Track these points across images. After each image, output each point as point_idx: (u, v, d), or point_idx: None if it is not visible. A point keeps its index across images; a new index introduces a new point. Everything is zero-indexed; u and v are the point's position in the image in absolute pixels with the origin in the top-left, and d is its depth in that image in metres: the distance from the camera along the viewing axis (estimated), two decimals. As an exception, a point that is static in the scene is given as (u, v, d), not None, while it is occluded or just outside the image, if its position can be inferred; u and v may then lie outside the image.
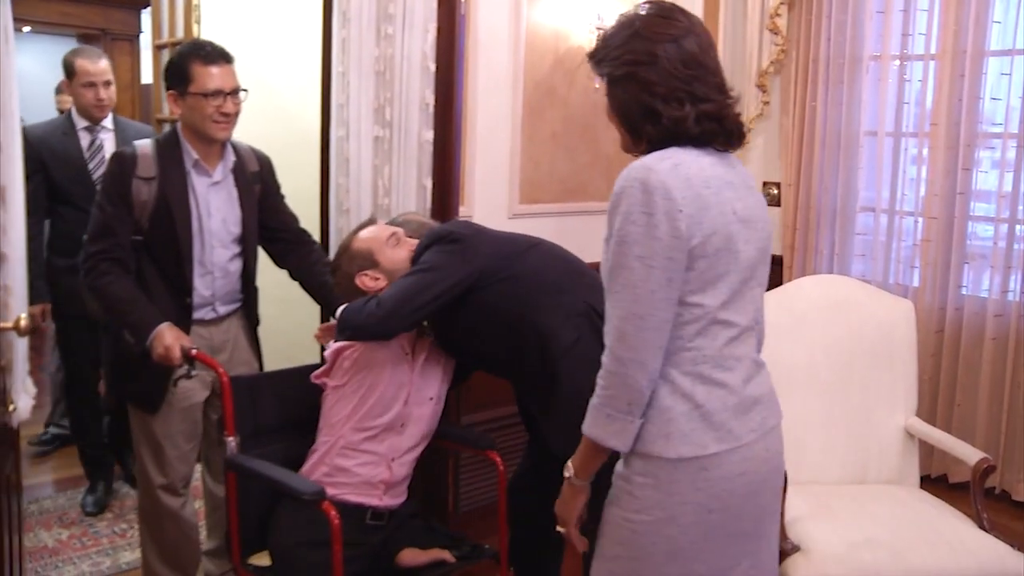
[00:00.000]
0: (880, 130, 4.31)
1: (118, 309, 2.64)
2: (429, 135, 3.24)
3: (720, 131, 1.80)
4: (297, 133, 3.98)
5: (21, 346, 2.31)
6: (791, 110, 4.53)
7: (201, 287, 2.78)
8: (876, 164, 4.36)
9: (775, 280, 4.44)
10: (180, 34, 4.56)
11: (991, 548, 2.67)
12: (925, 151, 4.21)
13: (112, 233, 2.66)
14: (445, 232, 2.53)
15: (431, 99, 3.23)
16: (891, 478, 3.17)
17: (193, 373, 2.62)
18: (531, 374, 2.44)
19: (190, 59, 2.66)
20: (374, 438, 2.53)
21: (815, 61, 4.44)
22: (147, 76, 5.69)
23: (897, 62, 4.27)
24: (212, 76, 2.66)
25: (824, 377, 3.20)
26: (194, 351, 2.58)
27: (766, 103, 4.61)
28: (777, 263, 4.51)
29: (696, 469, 1.76)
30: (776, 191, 4.66)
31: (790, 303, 3.24)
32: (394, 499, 2.58)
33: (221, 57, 2.69)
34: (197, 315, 2.80)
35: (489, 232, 2.63)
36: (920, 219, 4.24)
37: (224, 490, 2.98)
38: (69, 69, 3.79)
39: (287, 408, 2.68)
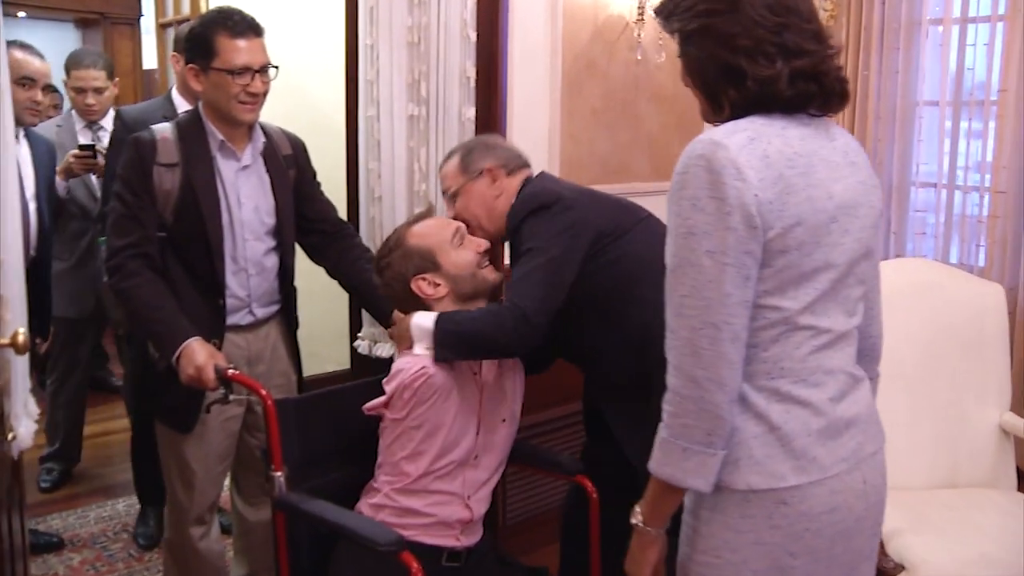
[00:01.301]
0: (941, 99, 4.02)
1: (144, 316, 2.34)
2: (471, 112, 2.94)
3: (818, 92, 1.48)
4: (318, 114, 3.68)
5: (21, 365, 2.00)
6: (842, 80, 4.22)
7: (235, 286, 2.49)
8: (936, 136, 4.07)
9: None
10: (186, 10, 4.28)
11: (1118, 562, 2.41)
12: (991, 122, 3.91)
13: (140, 224, 2.36)
14: (549, 197, 2.20)
15: (472, 72, 2.93)
16: (985, 481, 2.90)
17: (232, 397, 2.28)
18: (620, 373, 2.17)
19: (215, 30, 2.35)
20: (445, 476, 2.15)
21: (867, 27, 4.13)
22: (149, 60, 5.37)
23: (958, 25, 3.96)
24: (240, 51, 2.35)
25: (909, 370, 2.91)
26: (231, 371, 2.25)
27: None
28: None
29: (773, 503, 1.47)
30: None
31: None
32: (471, 537, 2.23)
33: (250, 29, 2.39)
34: (232, 320, 2.50)
35: (593, 193, 2.31)
36: (986, 194, 3.95)
37: (255, 513, 2.73)
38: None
39: (339, 432, 2.30)
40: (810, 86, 1.47)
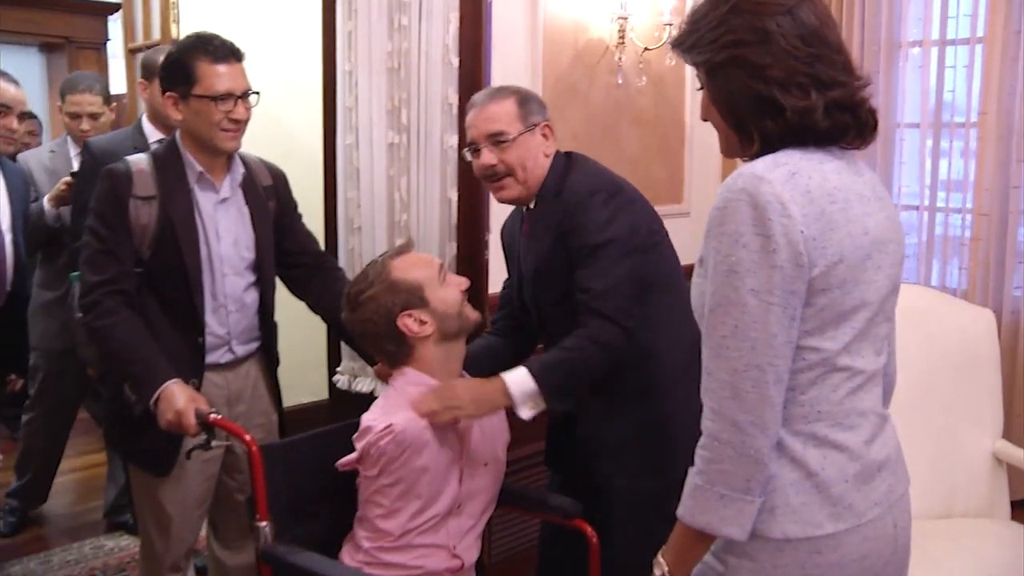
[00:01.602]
0: (922, 121, 4.00)
1: (120, 357, 2.23)
2: (454, 140, 2.85)
3: (853, 123, 1.43)
4: (294, 142, 3.60)
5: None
6: (821, 102, 4.20)
7: (214, 324, 2.38)
8: (917, 158, 4.05)
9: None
10: (156, 36, 4.19)
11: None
12: (972, 143, 3.90)
13: (116, 259, 2.26)
14: (614, 183, 2.16)
15: (455, 98, 2.84)
16: (980, 510, 2.85)
17: (214, 443, 2.16)
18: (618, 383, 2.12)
19: (195, 55, 2.27)
20: (428, 530, 2.05)
21: (847, 49, 4.11)
22: (117, 85, 5.24)
23: (937, 48, 3.96)
24: (221, 76, 2.27)
25: (903, 397, 2.80)
26: (213, 416, 2.14)
27: (794, 95, 4.28)
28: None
29: (807, 552, 1.40)
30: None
31: (862, 317, 2.91)
32: None
33: (231, 54, 2.31)
34: (211, 358, 2.39)
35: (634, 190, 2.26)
36: (968, 216, 3.94)
37: (233, 557, 2.63)
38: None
39: (326, 476, 2.14)
40: (845, 117, 1.42)
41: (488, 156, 2.20)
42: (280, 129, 3.79)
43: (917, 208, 4.09)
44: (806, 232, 1.33)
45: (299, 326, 2.91)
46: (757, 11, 1.42)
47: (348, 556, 2.09)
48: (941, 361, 2.89)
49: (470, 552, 2.13)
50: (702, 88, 1.51)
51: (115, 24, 5.86)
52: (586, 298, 2.07)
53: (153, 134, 3.10)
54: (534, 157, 2.22)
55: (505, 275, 2.51)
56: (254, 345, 2.52)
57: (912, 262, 4.12)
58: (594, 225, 2.09)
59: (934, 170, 4.01)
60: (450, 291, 2.09)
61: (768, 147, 1.43)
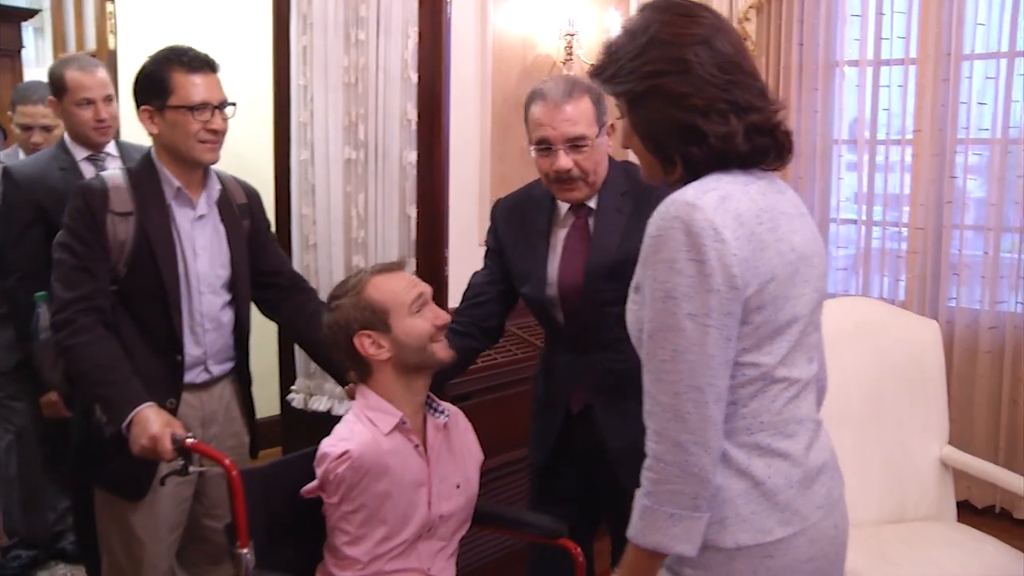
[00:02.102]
0: (859, 138, 4.12)
1: (92, 378, 2.14)
2: (412, 156, 2.83)
3: (772, 146, 1.47)
4: (241, 158, 3.53)
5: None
6: (761, 119, 4.29)
7: (191, 343, 2.32)
8: (855, 173, 4.17)
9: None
10: (91, 46, 4.06)
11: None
12: (908, 158, 4.03)
13: (91, 276, 2.18)
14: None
15: (414, 114, 2.83)
16: (930, 514, 2.93)
17: (192, 469, 2.07)
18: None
19: (169, 67, 2.22)
20: (398, 556, 1.99)
21: (787, 67, 4.23)
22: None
23: (872, 67, 4.08)
24: (197, 86, 2.22)
25: (856, 408, 2.93)
26: (189, 440, 2.06)
27: (735, 112, 4.36)
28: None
29: (759, 558, 1.44)
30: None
31: (815, 329, 2.97)
32: None
33: (206, 64, 2.26)
34: (187, 378, 2.33)
35: None
36: (904, 230, 4.06)
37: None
38: (58, 84, 2.98)
39: (301, 501, 2.06)
40: (765, 140, 1.46)
41: (564, 160, 2.12)
42: (228, 144, 3.72)
43: (855, 222, 4.20)
44: (739, 255, 1.36)
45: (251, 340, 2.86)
46: (675, 41, 1.45)
47: None
48: (891, 371, 2.96)
49: (446, 572, 2.10)
50: (622, 117, 1.53)
51: (29, 31, 5.62)
52: None
53: (78, 152, 2.94)
54: (604, 159, 2.19)
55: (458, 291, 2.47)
56: (228, 365, 2.46)
57: (851, 275, 4.24)
58: None
59: (870, 185, 4.13)
60: (419, 323, 2.01)
61: (692, 172, 1.46)
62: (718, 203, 1.38)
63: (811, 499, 1.49)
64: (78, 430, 2.39)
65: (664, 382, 1.38)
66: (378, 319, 1.99)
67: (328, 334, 2.07)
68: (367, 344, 2.00)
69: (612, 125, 2.17)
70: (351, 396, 2.36)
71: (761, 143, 1.45)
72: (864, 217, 4.16)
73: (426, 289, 2.07)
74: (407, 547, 2.01)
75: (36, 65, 5.94)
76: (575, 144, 2.11)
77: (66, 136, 3.01)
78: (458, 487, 2.12)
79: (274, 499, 2.06)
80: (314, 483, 1.98)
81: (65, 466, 3.00)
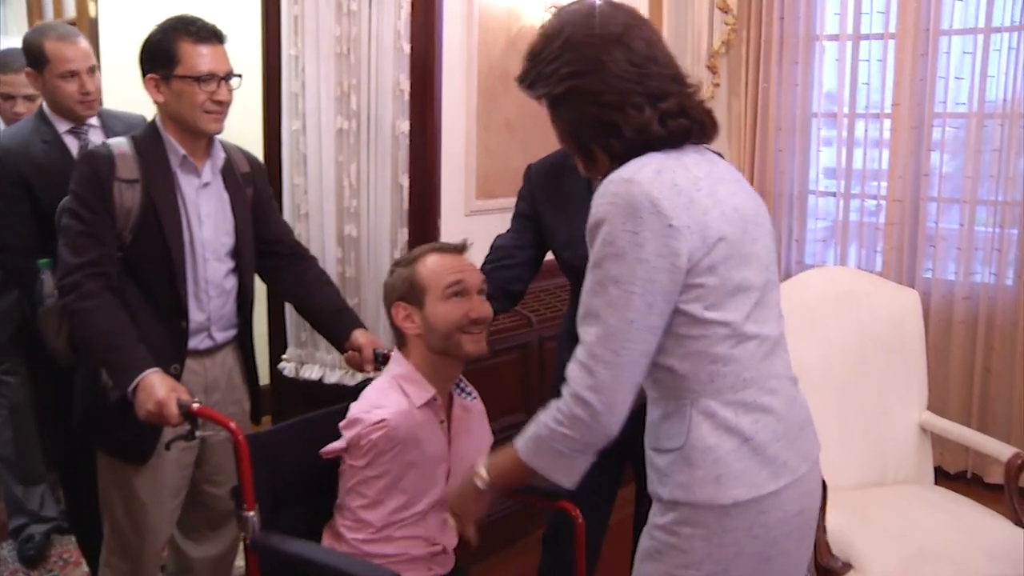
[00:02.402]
0: (839, 111, 4.19)
1: (99, 343, 2.15)
2: (405, 125, 2.86)
3: (690, 125, 1.55)
4: (231, 128, 3.52)
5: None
6: (743, 92, 4.35)
7: (195, 310, 2.34)
8: (834, 147, 4.23)
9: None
10: (71, 13, 4.02)
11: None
12: (886, 132, 4.09)
13: (99, 242, 2.19)
14: None
15: (406, 84, 2.85)
16: (909, 477, 3.02)
17: (198, 434, 2.09)
18: None
19: (176, 36, 2.22)
20: (411, 524, 2.04)
21: (767, 41, 4.28)
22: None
23: (852, 42, 4.14)
24: (204, 57, 2.22)
25: (839, 374, 3.00)
26: (195, 405, 2.07)
27: (716, 85, 4.41)
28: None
29: (754, 513, 1.53)
30: (726, 177, 4.47)
31: (800, 298, 3.04)
32: (444, 567, 2.15)
33: (214, 35, 2.27)
34: (191, 344, 2.35)
35: None
36: (882, 202, 4.14)
37: (198, 550, 2.59)
38: (37, 55, 2.80)
39: (305, 465, 2.13)
40: (681, 122, 1.53)
41: None
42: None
43: (834, 195, 4.27)
44: (676, 223, 1.43)
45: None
46: (588, 43, 1.53)
47: (329, 543, 2.08)
48: (872, 339, 3.04)
49: (454, 538, 2.14)
50: (551, 119, 1.63)
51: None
52: None
53: (60, 124, 2.82)
54: None
55: None
56: (232, 332, 2.48)
57: (829, 246, 4.31)
58: None
59: (849, 158, 4.20)
60: (450, 309, 2.01)
61: (619, 163, 1.53)
62: (654, 176, 1.46)
63: (798, 451, 1.58)
64: (82, 396, 2.40)
65: (585, 342, 1.47)
66: (415, 294, 2.04)
67: (383, 294, 2.14)
68: (401, 315, 2.05)
69: None
70: (350, 364, 2.40)
71: (677, 125, 1.53)
72: (842, 189, 4.23)
73: (469, 278, 2.05)
74: (419, 518, 2.05)
75: (4, 35, 5.84)
76: None
77: (45, 107, 2.88)
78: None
79: (279, 463, 2.09)
80: (338, 444, 2.00)
81: (57, 435, 3.00)
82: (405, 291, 2.05)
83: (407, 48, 2.84)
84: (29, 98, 3.20)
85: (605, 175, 1.52)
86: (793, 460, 1.56)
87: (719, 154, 1.69)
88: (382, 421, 1.93)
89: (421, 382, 2.03)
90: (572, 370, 1.48)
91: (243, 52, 3.33)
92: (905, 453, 3.02)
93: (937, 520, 2.69)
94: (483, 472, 1.65)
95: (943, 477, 3.93)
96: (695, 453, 1.51)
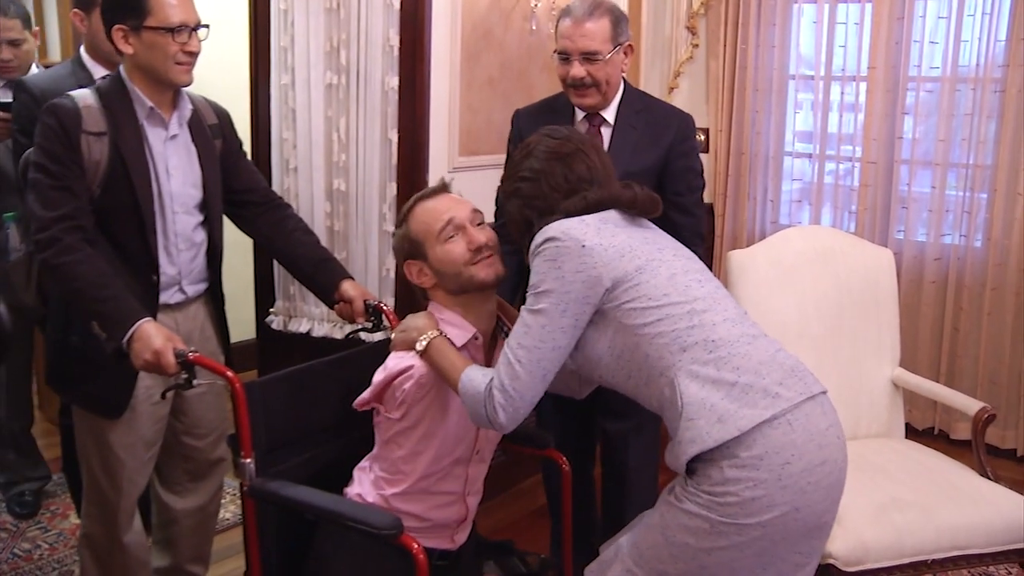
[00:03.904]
0: (815, 74, 4.25)
1: (87, 296, 2.14)
2: (394, 81, 2.88)
3: (597, 207, 1.86)
4: (217, 80, 3.52)
5: None
6: (721, 53, 4.39)
7: (166, 263, 2.35)
8: (810, 108, 4.29)
9: (709, 227, 4.39)
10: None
11: (1011, 500, 2.64)
12: (862, 96, 4.16)
13: (72, 194, 2.18)
14: None
15: (396, 40, 2.87)
16: (880, 431, 3.11)
17: (196, 382, 2.11)
18: None
19: None
20: (446, 476, 2.05)
21: (746, 3, 4.31)
22: None
23: (829, 4, 4.19)
24: (175, 7, 2.21)
25: (815, 330, 3.08)
26: (191, 354, 2.09)
27: (695, 46, 4.45)
28: (708, 212, 4.42)
29: (779, 464, 1.67)
30: (703, 137, 4.52)
31: (778, 256, 3.11)
32: (464, 533, 2.18)
33: None
34: (162, 298, 2.36)
35: None
36: (857, 164, 4.21)
37: (180, 501, 2.63)
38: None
39: (303, 414, 2.17)
40: (582, 203, 1.86)
41: (578, 69, 2.46)
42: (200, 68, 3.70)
43: (810, 156, 4.34)
44: (589, 243, 1.75)
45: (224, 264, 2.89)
46: (540, 156, 1.91)
47: (358, 485, 2.10)
48: (847, 297, 3.12)
49: (476, 498, 2.17)
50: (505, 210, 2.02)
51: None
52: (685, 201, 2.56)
53: (97, 69, 2.82)
54: (617, 73, 2.50)
55: None
56: (202, 286, 2.50)
57: (803, 207, 4.39)
58: (699, 162, 2.52)
59: (824, 120, 4.26)
60: (450, 249, 2.02)
61: None
62: (563, 219, 1.82)
63: (789, 388, 1.73)
64: (52, 350, 2.41)
65: (512, 336, 1.81)
66: (416, 249, 2.06)
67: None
68: (414, 272, 2.08)
69: (631, 45, 2.51)
70: (342, 316, 2.43)
71: (584, 204, 1.86)
72: (817, 151, 4.30)
73: (457, 214, 2.05)
74: (452, 467, 2.06)
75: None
76: (588, 57, 2.45)
77: (83, 51, 2.88)
78: None
79: (275, 411, 2.12)
80: (368, 394, 2.01)
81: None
82: (408, 249, 2.07)
83: (397, 4, 2.86)
84: (14, 43, 3.16)
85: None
86: (786, 393, 1.71)
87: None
88: (410, 368, 1.94)
89: (461, 323, 2.03)
90: (501, 361, 1.78)
91: (231, 5, 3.34)
92: (877, 408, 3.12)
93: (907, 471, 2.79)
94: (424, 343, 1.92)
95: (912, 433, 4.03)
96: (692, 409, 1.69)
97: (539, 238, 1.79)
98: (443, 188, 2.13)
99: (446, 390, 1.97)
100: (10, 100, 2.90)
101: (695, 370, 1.71)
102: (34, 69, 3.23)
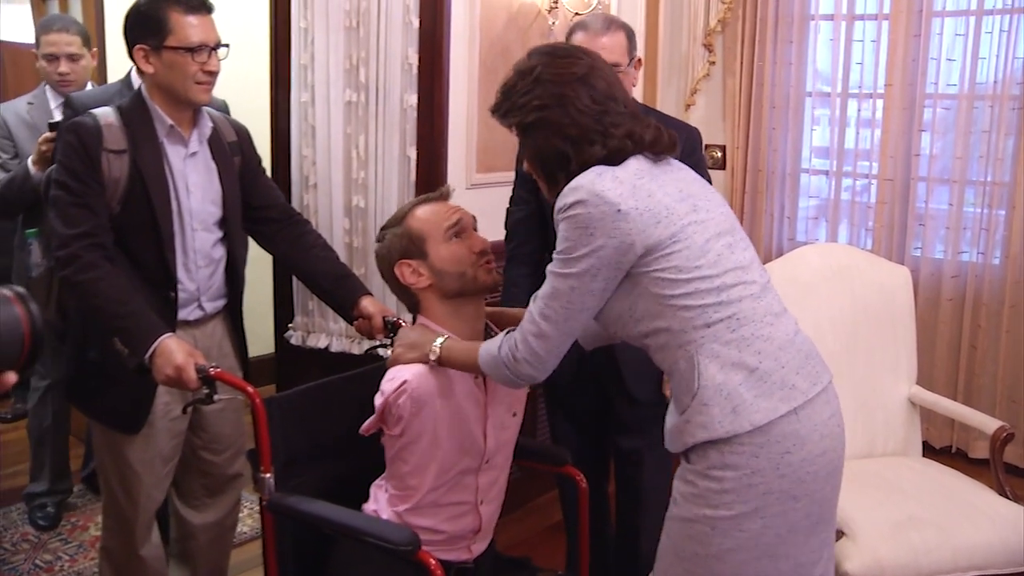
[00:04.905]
0: (832, 91, 4.25)
1: (109, 311, 2.17)
2: (413, 99, 2.92)
3: (632, 148, 1.75)
4: (239, 97, 3.56)
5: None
6: (737, 70, 4.40)
7: (185, 279, 2.38)
8: (827, 125, 4.30)
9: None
10: (75, -15, 4.03)
11: (1028, 519, 2.64)
12: (878, 113, 4.16)
13: (92, 212, 2.21)
14: None
15: (415, 58, 2.91)
16: (897, 450, 3.11)
17: (217, 397, 2.14)
18: None
19: (166, 6, 2.24)
20: (455, 487, 2.04)
21: (763, 20, 4.32)
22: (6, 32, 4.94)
23: (846, 22, 4.20)
24: (195, 27, 2.25)
25: (831, 347, 3.08)
26: (214, 369, 2.12)
27: (712, 63, 4.47)
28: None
29: (779, 453, 1.66)
30: (720, 154, 4.54)
31: (795, 273, 3.12)
32: (482, 544, 2.16)
33: (202, 5, 2.29)
34: (181, 314, 2.38)
35: None
36: (874, 181, 4.21)
37: (198, 516, 2.65)
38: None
39: (321, 429, 2.20)
40: (624, 143, 1.74)
41: None
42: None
43: (826, 173, 4.34)
44: (624, 207, 1.65)
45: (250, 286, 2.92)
46: (555, 80, 1.74)
47: (376, 507, 2.09)
48: (864, 314, 3.13)
49: (492, 507, 2.15)
50: (521, 145, 1.88)
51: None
52: None
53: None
54: (631, 87, 2.48)
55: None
56: (221, 302, 2.52)
57: (820, 223, 4.39)
58: (707, 173, 2.48)
59: (841, 137, 4.26)
60: (455, 249, 2.02)
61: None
62: (595, 176, 1.68)
63: (805, 377, 1.72)
64: (70, 365, 2.43)
65: (538, 296, 1.75)
66: (415, 247, 2.02)
67: (378, 266, 2.13)
68: (407, 273, 2.03)
69: (640, 59, 2.52)
70: (361, 332, 2.45)
71: (619, 145, 1.73)
72: (834, 168, 4.30)
73: (465, 216, 2.07)
74: (461, 477, 2.05)
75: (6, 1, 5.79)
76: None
77: (134, 72, 2.86)
78: (515, 415, 2.15)
79: (294, 426, 2.14)
80: (372, 420, 1.99)
81: None
82: (404, 247, 2.03)
83: (416, 22, 2.90)
84: (72, 58, 3.22)
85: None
86: (802, 383, 1.69)
87: (690, 143, 1.98)
88: (403, 384, 1.91)
89: (450, 333, 2.01)
90: (526, 318, 1.75)
91: (252, 24, 3.38)
92: (894, 426, 3.12)
93: (925, 489, 2.79)
94: (437, 350, 1.91)
95: (929, 451, 4.02)
96: (708, 393, 1.66)
97: (569, 197, 1.68)
98: (447, 194, 2.15)
99: (444, 402, 1.98)
100: (61, 119, 2.89)
101: (716, 349, 1.67)
102: (88, 87, 3.29)
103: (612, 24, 2.51)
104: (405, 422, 1.94)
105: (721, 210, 1.78)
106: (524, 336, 1.75)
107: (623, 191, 1.66)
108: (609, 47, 2.44)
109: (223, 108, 2.88)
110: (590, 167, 1.71)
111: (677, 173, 1.78)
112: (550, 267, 1.73)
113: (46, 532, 3.48)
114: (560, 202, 1.69)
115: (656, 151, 1.77)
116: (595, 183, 1.66)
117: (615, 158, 1.72)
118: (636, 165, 1.72)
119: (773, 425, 1.66)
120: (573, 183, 1.68)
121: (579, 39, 2.47)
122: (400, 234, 2.05)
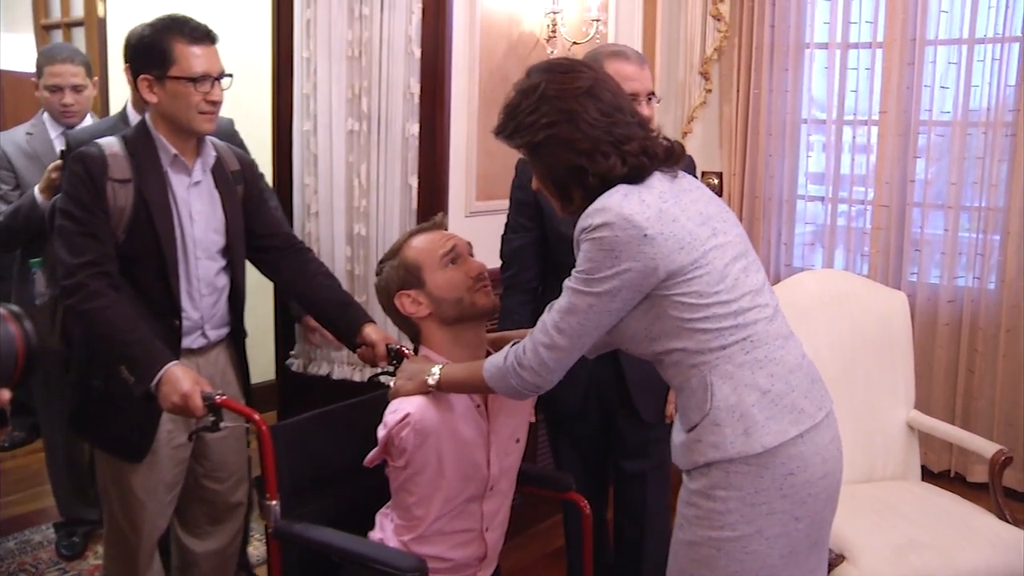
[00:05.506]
0: (828, 118, 4.30)
1: (116, 340, 2.18)
2: (415, 128, 2.94)
3: (649, 164, 1.74)
4: (239, 125, 3.59)
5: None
6: (734, 98, 4.45)
7: (188, 307, 2.39)
8: (823, 152, 4.34)
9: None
10: (78, 13, 4.07)
11: (1029, 543, 2.65)
12: (873, 139, 4.21)
13: (97, 241, 2.22)
14: None
15: (416, 88, 2.94)
16: (896, 474, 3.12)
17: (222, 425, 2.14)
18: None
19: (171, 37, 2.26)
20: (460, 515, 2.04)
21: (759, 48, 4.38)
22: (7, 61, 4.98)
23: (840, 50, 4.25)
24: (199, 57, 2.26)
25: (830, 373, 3.04)
26: (219, 397, 2.12)
27: (708, 91, 4.51)
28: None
29: (783, 474, 1.68)
30: (717, 181, 4.58)
31: (792, 299, 3.13)
32: (488, 570, 2.16)
33: (207, 36, 2.31)
34: (185, 343, 2.39)
35: None
36: (870, 208, 4.25)
37: (201, 544, 2.64)
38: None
39: (327, 456, 2.20)
40: (641, 160, 1.72)
41: (647, 109, 2.45)
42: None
43: (822, 199, 4.38)
44: (651, 232, 1.64)
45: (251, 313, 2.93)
46: (561, 95, 1.72)
47: (382, 535, 2.09)
48: (862, 339, 3.14)
49: (496, 533, 2.15)
50: (531, 165, 1.82)
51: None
52: None
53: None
54: (652, 118, 2.47)
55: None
56: (224, 331, 2.53)
57: (816, 249, 4.42)
58: None
59: (836, 164, 4.31)
60: (452, 275, 2.04)
61: (588, 202, 1.71)
62: (622, 198, 1.66)
63: (812, 401, 1.74)
64: (75, 393, 2.44)
65: (553, 308, 1.74)
66: (413, 276, 2.04)
67: (379, 299, 2.15)
68: (406, 303, 2.05)
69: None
70: (364, 359, 2.46)
71: (636, 163, 1.72)
72: (830, 194, 4.34)
73: (460, 242, 2.10)
74: (466, 505, 2.05)
75: (5, 31, 5.83)
76: (651, 96, 2.48)
77: (129, 106, 2.96)
78: (518, 441, 2.16)
79: (299, 453, 2.14)
80: (375, 452, 1.98)
81: None
82: (402, 278, 2.05)
83: (417, 52, 2.93)
84: (76, 89, 3.23)
85: (574, 215, 1.73)
86: (809, 407, 1.72)
87: (685, 170, 1.87)
88: (406, 417, 1.91)
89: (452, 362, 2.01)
90: (539, 328, 1.74)
91: (255, 53, 3.42)
92: (893, 450, 3.13)
93: (925, 513, 2.80)
94: (436, 375, 1.90)
95: (928, 476, 4.04)
96: (720, 414, 1.68)
97: (596, 218, 1.65)
98: (439, 223, 2.17)
99: (447, 432, 1.97)
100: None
101: (730, 370, 1.68)
102: (88, 119, 3.31)
103: (642, 57, 2.54)
104: (409, 454, 1.94)
105: (736, 231, 1.79)
106: (535, 345, 1.74)
107: (650, 215, 1.64)
108: (649, 76, 2.49)
109: (229, 128, 2.91)
110: (610, 180, 1.70)
111: (695, 193, 1.78)
112: (568, 282, 1.71)
113: (70, 562, 3.46)
114: (585, 222, 1.67)
115: (670, 164, 1.78)
116: (623, 206, 1.64)
117: (636, 176, 1.71)
118: (660, 186, 1.72)
119: (781, 447, 1.68)
120: (599, 203, 1.66)
121: (626, 67, 2.43)
122: (397, 266, 2.08)
